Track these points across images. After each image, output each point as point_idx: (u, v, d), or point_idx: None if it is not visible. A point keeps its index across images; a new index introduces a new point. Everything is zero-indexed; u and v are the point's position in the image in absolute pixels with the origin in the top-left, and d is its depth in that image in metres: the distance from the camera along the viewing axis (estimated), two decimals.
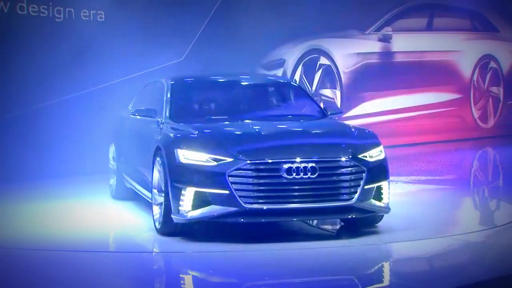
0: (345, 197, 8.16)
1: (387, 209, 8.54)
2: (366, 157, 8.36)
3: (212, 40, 14.47)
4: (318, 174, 8.08)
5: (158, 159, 8.61)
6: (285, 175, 8.01)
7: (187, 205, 8.11)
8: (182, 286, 7.01)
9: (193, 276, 7.30)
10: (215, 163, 8.09)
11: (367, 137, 8.70)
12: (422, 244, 8.25)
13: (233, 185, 7.98)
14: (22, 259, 7.78)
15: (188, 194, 8.09)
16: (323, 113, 9.59)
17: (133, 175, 10.09)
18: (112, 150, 11.16)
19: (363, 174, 8.24)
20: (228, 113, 9.39)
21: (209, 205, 8.05)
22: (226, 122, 9.12)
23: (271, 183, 8.03)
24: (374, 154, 8.48)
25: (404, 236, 8.46)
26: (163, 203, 8.39)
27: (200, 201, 8.06)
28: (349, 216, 8.30)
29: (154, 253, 8.26)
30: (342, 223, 8.99)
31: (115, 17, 13.44)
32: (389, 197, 8.54)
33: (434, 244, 8.24)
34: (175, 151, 8.29)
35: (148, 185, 9.16)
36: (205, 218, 8.11)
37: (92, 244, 8.40)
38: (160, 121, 9.18)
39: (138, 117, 9.52)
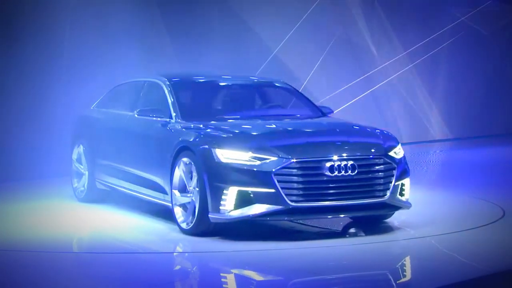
0: (380, 193, 8.36)
1: (409, 204, 8.72)
2: (393, 154, 8.58)
3: (197, 40, 14.30)
4: (358, 172, 8.21)
5: (184, 159, 8.48)
6: (327, 173, 8.11)
7: (229, 204, 8.05)
8: (225, 286, 6.96)
9: (236, 275, 7.29)
10: (258, 162, 8.09)
11: (388, 136, 8.90)
12: (420, 243, 8.33)
13: (279, 183, 7.98)
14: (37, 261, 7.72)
15: (231, 194, 8.04)
16: (322, 113, 9.75)
17: (124, 177, 9.82)
18: (77, 151, 10.78)
19: (394, 171, 8.46)
20: (237, 112, 9.40)
21: (251, 204, 8.02)
22: (245, 120, 9.06)
23: (315, 181, 8.11)
24: (397, 151, 8.70)
25: (402, 235, 8.58)
26: (197, 203, 8.28)
27: (243, 200, 8.03)
28: (382, 213, 8.61)
29: (188, 254, 8.25)
30: (351, 220, 9.13)
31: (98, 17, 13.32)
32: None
33: (430, 243, 8.30)
34: (212, 150, 8.21)
35: (156, 186, 9.03)
36: (247, 217, 8.08)
37: (129, 246, 8.48)
38: (168, 121, 9.01)
39: (136, 116, 9.36)
